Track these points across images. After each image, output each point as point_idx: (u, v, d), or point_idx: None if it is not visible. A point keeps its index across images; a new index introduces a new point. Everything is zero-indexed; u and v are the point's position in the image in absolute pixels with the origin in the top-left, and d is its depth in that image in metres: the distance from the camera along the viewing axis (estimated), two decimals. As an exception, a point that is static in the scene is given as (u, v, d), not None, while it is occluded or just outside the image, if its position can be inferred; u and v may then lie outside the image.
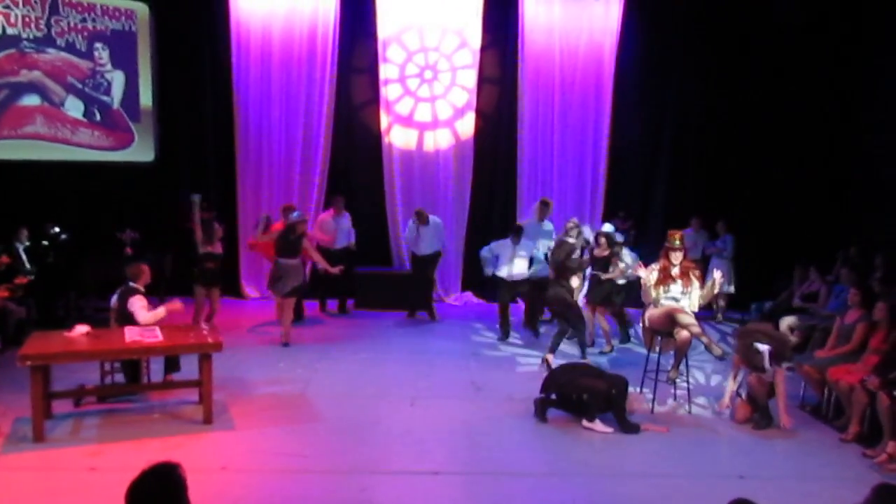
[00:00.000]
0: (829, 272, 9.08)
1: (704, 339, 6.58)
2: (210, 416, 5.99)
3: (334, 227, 10.15)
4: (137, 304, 6.43)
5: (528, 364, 8.11)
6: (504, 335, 9.12)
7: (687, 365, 6.77)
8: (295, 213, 8.84)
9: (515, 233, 9.11)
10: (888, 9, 9.70)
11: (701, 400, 6.94)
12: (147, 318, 6.37)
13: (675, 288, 6.67)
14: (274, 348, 8.40)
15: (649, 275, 6.78)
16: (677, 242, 6.75)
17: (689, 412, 6.63)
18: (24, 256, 8.92)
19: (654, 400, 6.69)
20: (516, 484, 5.18)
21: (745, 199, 10.83)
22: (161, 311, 6.47)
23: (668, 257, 6.73)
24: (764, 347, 6.12)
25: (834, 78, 10.61)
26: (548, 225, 9.81)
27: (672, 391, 6.96)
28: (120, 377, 6.59)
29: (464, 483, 5.16)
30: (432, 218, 10.08)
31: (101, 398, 6.45)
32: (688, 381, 6.78)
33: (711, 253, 10.22)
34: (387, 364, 7.99)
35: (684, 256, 6.78)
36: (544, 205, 9.81)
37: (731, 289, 10.21)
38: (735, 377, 6.50)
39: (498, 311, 9.24)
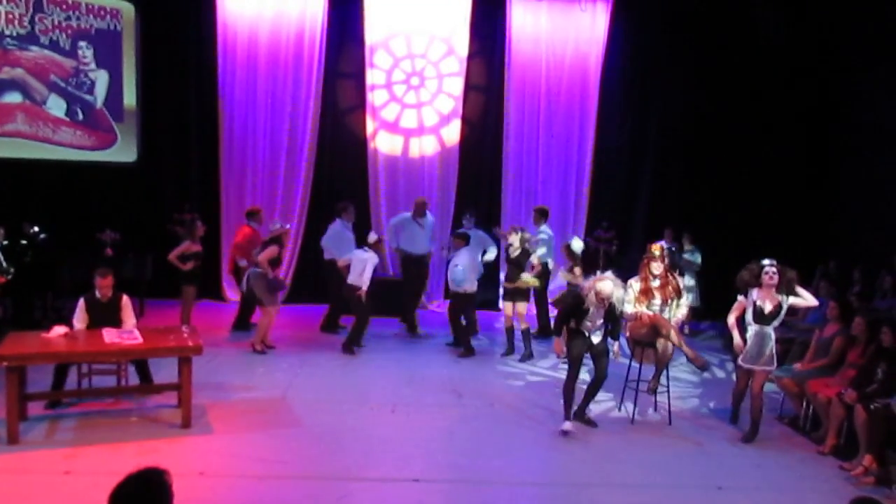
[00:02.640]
0: (808, 286, 9.14)
1: (686, 350, 6.61)
2: (189, 420, 5.93)
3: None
4: (77, 308, 6.36)
5: (511, 372, 8.12)
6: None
7: (668, 376, 6.80)
8: (279, 224, 8.95)
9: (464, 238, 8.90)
10: (867, 27, 9.86)
11: (682, 411, 6.98)
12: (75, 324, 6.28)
13: (656, 302, 6.69)
14: (254, 352, 8.33)
15: (629, 288, 6.79)
16: (657, 253, 6.78)
17: (670, 423, 6.65)
18: (0, 256, 8.79)
19: (634, 411, 6.71)
20: (497, 492, 5.17)
21: (727, 210, 10.92)
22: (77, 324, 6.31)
23: (648, 269, 6.76)
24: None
25: (814, 92, 10.76)
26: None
27: (653, 402, 6.98)
28: (97, 380, 6.50)
29: (444, 491, 5.14)
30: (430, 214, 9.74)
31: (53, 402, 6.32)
32: (668, 392, 6.80)
33: (681, 266, 10.12)
34: (368, 370, 7.96)
35: (665, 268, 6.81)
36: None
37: (696, 301, 10.10)
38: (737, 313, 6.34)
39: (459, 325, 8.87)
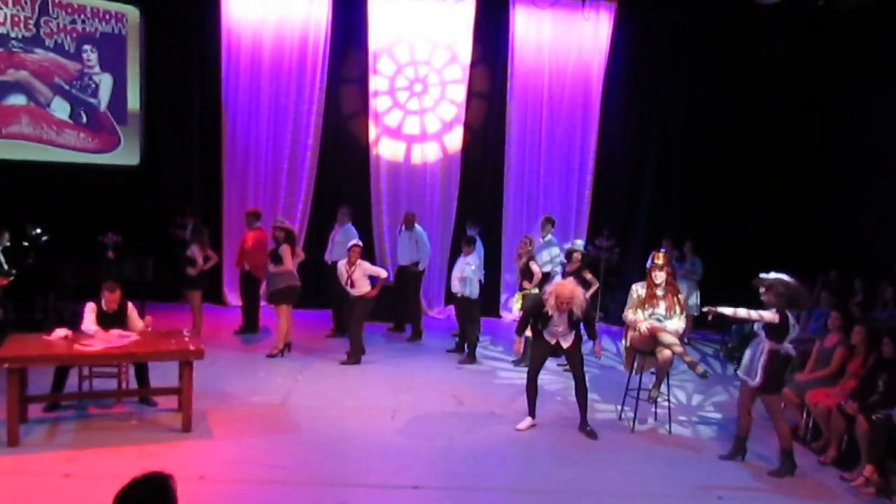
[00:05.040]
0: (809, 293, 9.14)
1: (687, 358, 6.61)
2: (189, 424, 5.93)
3: (331, 239, 9.72)
4: (86, 310, 6.30)
5: (510, 378, 8.11)
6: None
7: (668, 384, 6.79)
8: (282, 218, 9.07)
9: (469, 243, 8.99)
10: (867, 38, 9.89)
11: (682, 419, 6.97)
12: (85, 326, 6.21)
13: (659, 309, 6.68)
14: (255, 357, 8.33)
15: (633, 294, 6.80)
16: (661, 262, 6.77)
17: (670, 432, 6.65)
18: (2, 258, 8.80)
19: (634, 419, 6.71)
20: (496, 500, 5.17)
21: (728, 219, 10.93)
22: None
23: (651, 277, 6.75)
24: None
25: (816, 103, 10.78)
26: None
27: (653, 410, 6.98)
28: (98, 383, 6.50)
29: (443, 498, 5.14)
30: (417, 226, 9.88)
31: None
32: (669, 401, 6.80)
33: (681, 274, 10.06)
34: (368, 376, 7.95)
35: (669, 276, 6.79)
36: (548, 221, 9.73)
37: (697, 311, 10.06)
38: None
39: (472, 336, 8.92)
